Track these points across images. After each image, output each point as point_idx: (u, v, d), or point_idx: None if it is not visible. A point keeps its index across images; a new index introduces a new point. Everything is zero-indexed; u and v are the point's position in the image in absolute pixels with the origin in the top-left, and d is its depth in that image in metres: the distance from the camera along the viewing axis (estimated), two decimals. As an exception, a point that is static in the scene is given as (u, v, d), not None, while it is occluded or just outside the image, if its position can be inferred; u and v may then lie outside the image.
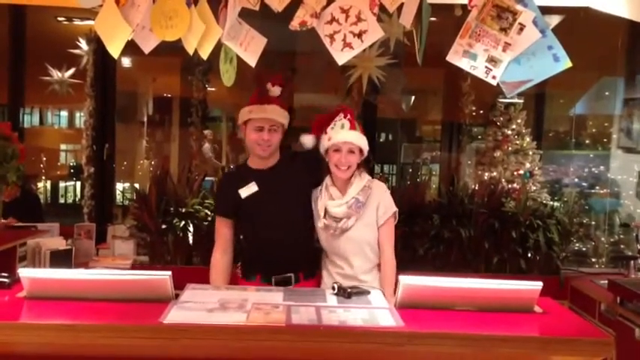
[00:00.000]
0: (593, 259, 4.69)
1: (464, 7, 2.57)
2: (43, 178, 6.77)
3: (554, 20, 3.76)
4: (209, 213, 4.01)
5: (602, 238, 4.86)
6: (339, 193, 2.71)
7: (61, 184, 7.46)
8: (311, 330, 1.87)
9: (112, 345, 1.84)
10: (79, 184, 6.55)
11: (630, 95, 4.92)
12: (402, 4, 2.45)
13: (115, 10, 2.51)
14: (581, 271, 4.11)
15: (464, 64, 2.40)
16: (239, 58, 2.69)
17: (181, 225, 4.02)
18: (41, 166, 6.64)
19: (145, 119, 6.17)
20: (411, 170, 6.38)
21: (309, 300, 2.16)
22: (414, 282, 2.07)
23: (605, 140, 5.33)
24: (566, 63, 2.37)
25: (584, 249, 4.59)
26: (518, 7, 2.32)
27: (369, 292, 2.27)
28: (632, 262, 3.82)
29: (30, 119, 6.85)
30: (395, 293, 2.34)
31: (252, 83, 2.84)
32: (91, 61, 4.81)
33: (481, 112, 5.05)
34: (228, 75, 2.81)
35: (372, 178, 2.82)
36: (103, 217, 4.68)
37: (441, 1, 2.94)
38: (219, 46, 2.60)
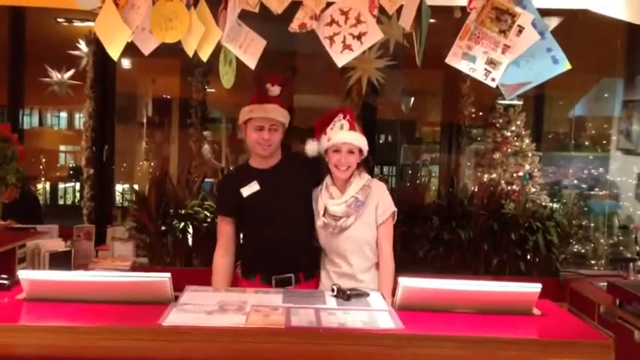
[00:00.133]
0: (593, 261, 4.69)
1: (463, 9, 2.58)
2: (43, 179, 6.77)
3: (554, 22, 3.78)
4: (208, 214, 4.02)
5: (602, 240, 4.86)
6: (338, 192, 2.73)
7: (61, 186, 7.47)
8: (310, 332, 1.87)
9: (112, 347, 1.84)
10: (78, 185, 6.56)
11: (629, 97, 4.93)
12: (402, 6, 2.46)
13: (115, 12, 2.51)
14: (581, 273, 4.12)
15: (463, 66, 2.40)
16: (238, 60, 2.69)
17: (181, 226, 4.02)
18: (41, 167, 6.64)
19: (145, 120, 6.18)
20: (410, 172, 6.38)
21: (309, 302, 2.15)
22: (413, 284, 2.07)
23: (604, 142, 5.33)
24: (565, 65, 2.38)
25: (583, 251, 4.60)
26: (517, 10, 2.32)
27: (368, 295, 2.27)
28: (631, 264, 3.82)
29: (29, 120, 6.85)
30: (392, 293, 2.34)
31: (252, 84, 2.85)
32: (91, 62, 4.81)
33: (480, 113, 5.06)
34: (227, 77, 2.81)
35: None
36: (103, 219, 4.68)
37: (440, 3, 2.95)
38: (218, 47, 2.60)
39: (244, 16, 2.56)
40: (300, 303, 2.13)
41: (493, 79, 2.38)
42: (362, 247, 2.72)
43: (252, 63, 2.62)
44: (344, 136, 2.68)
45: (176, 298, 2.11)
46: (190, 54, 2.54)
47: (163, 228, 4.03)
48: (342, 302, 2.18)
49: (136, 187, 4.81)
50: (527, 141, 4.66)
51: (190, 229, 4.06)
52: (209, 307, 2.03)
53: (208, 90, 5.16)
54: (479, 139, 5.12)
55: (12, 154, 3.68)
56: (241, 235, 2.90)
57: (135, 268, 3.87)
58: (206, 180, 4.42)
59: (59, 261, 3.56)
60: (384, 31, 2.58)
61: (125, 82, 5.41)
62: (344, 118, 2.72)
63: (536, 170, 4.63)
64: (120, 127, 5.21)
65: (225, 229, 2.83)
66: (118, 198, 5.21)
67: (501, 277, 3.83)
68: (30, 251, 3.55)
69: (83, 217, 4.78)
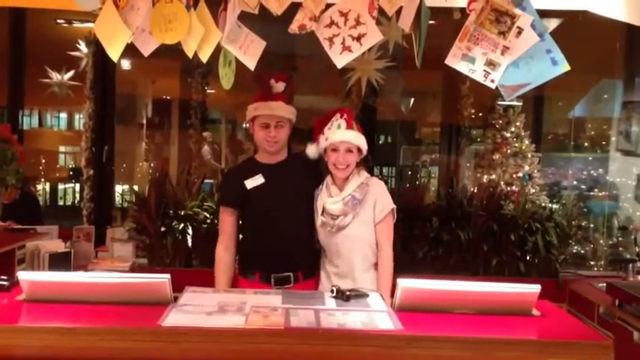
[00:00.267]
0: (592, 262, 4.70)
1: (462, 10, 2.58)
2: (43, 180, 6.76)
3: (553, 24, 3.78)
4: (208, 215, 4.02)
5: (601, 241, 4.86)
6: (337, 190, 2.73)
7: (60, 187, 7.46)
8: (310, 333, 1.87)
9: (111, 348, 1.84)
10: (78, 186, 6.56)
11: (629, 98, 4.93)
12: (401, 7, 2.46)
13: (115, 13, 2.51)
14: (580, 273, 4.12)
15: (462, 67, 2.40)
16: (238, 61, 2.70)
17: (180, 227, 4.02)
18: (40, 168, 6.63)
19: (145, 121, 6.18)
20: (410, 173, 6.39)
21: (308, 303, 2.16)
22: (412, 285, 2.07)
23: (603, 143, 5.34)
24: (564, 66, 2.38)
25: (582, 252, 4.60)
26: (517, 11, 2.32)
27: (367, 295, 2.27)
28: (630, 264, 3.83)
29: (29, 121, 6.85)
30: (391, 293, 2.34)
31: (253, 85, 2.86)
32: (91, 63, 4.82)
33: (480, 114, 5.06)
34: (227, 78, 2.82)
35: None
36: (102, 220, 4.68)
37: (439, 4, 2.95)
38: (218, 49, 2.60)
39: (244, 17, 2.56)
40: (300, 304, 2.13)
41: (492, 81, 2.38)
42: (361, 247, 2.72)
43: (251, 64, 2.62)
44: (341, 135, 2.68)
45: (175, 299, 2.11)
46: (190, 55, 2.55)
47: (163, 229, 4.03)
48: (341, 303, 2.18)
49: (135, 188, 4.81)
50: (526, 142, 4.67)
51: (190, 230, 4.06)
52: (208, 307, 2.03)
53: (208, 91, 5.17)
54: (478, 140, 5.13)
55: (12, 155, 3.68)
56: (240, 236, 2.90)
57: (134, 269, 3.87)
58: (206, 181, 4.42)
59: (59, 262, 3.56)
60: (383, 32, 2.58)
61: (125, 83, 5.41)
62: (341, 117, 2.73)
63: (535, 171, 4.64)
64: (120, 128, 5.21)
65: (226, 221, 2.83)
66: (118, 199, 5.22)
67: (501, 278, 3.83)
68: (29, 252, 3.55)
69: (83, 218, 4.79)
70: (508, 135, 4.65)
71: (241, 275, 2.84)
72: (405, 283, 2.07)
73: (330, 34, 2.48)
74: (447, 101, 5.55)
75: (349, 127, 2.70)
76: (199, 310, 2.01)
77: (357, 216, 2.70)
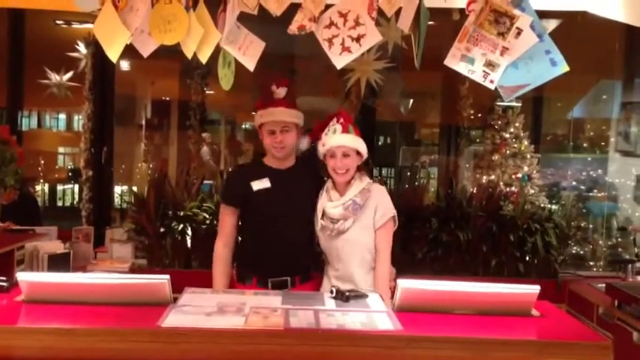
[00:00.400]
0: (591, 263, 4.70)
1: (462, 11, 2.58)
2: (41, 181, 6.76)
3: (552, 24, 3.78)
4: (207, 216, 4.02)
5: (600, 242, 4.87)
6: (338, 195, 2.73)
7: (59, 188, 7.45)
8: (309, 334, 1.87)
9: (111, 349, 1.84)
10: (77, 187, 6.56)
11: (628, 99, 4.94)
12: (400, 8, 2.46)
13: (114, 14, 2.51)
14: (579, 274, 4.12)
15: (461, 68, 2.40)
16: (237, 62, 2.70)
17: (179, 228, 4.02)
18: (39, 169, 6.63)
19: (144, 122, 6.18)
20: (409, 173, 6.40)
21: (308, 303, 2.15)
22: (412, 285, 2.07)
23: (602, 144, 5.34)
24: (563, 67, 2.38)
25: (581, 252, 4.60)
26: (516, 12, 2.32)
27: (367, 296, 2.27)
28: (629, 265, 3.83)
29: (28, 122, 6.85)
30: (389, 299, 2.35)
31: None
32: (90, 64, 4.82)
33: (479, 115, 5.07)
34: (226, 79, 2.82)
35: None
36: (101, 221, 4.68)
37: (439, 5, 2.95)
38: (217, 50, 2.60)
39: (243, 18, 2.56)
40: (299, 304, 2.13)
41: (492, 82, 2.38)
42: (360, 251, 2.71)
43: (251, 65, 2.62)
44: (337, 140, 2.68)
45: (175, 299, 2.11)
46: (189, 56, 2.54)
47: (162, 230, 4.03)
48: (340, 304, 2.18)
49: (134, 188, 4.81)
50: (525, 142, 4.67)
51: (189, 231, 4.06)
52: (208, 308, 2.03)
53: (207, 92, 5.17)
54: (477, 140, 5.13)
55: (11, 156, 3.68)
56: (239, 239, 2.90)
57: (134, 269, 3.87)
58: (205, 182, 4.42)
59: (58, 263, 3.56)
60: (382, 33, 2.58)
61: (124, 84, 5.41)
62: (337, 122, 2.72)
63: (534, 172, 4.64)
64: (119, 129, 5.21)
65: (227, 221, 2.83)
66: (117, 200, 5.22)
67: (500, 279, 3.81)
68: (29, 253, 3.55)
69: (82, 219, 4.79)
70: (507, 136, 4.65)
71: (238, 282, 2.82)
72: (405, 284, 2.07)
73: (330, 35, 2.48)
74: (446, 102, 5.55)
75: (345, 130, 2.69)
76: (199, 310, 2.01)
77: (357, 221, 2.69)
